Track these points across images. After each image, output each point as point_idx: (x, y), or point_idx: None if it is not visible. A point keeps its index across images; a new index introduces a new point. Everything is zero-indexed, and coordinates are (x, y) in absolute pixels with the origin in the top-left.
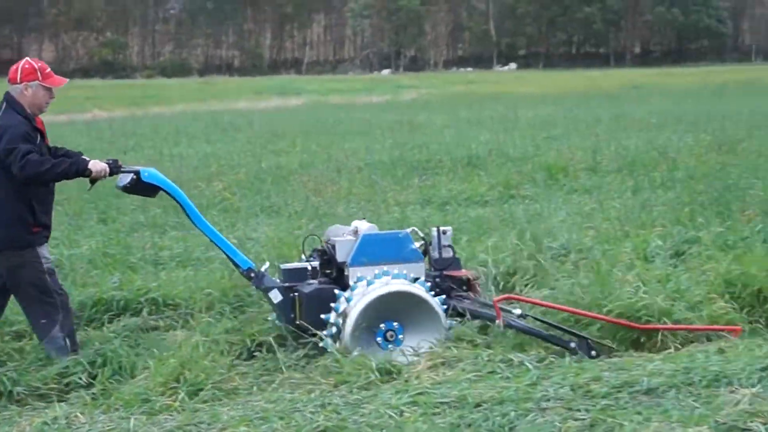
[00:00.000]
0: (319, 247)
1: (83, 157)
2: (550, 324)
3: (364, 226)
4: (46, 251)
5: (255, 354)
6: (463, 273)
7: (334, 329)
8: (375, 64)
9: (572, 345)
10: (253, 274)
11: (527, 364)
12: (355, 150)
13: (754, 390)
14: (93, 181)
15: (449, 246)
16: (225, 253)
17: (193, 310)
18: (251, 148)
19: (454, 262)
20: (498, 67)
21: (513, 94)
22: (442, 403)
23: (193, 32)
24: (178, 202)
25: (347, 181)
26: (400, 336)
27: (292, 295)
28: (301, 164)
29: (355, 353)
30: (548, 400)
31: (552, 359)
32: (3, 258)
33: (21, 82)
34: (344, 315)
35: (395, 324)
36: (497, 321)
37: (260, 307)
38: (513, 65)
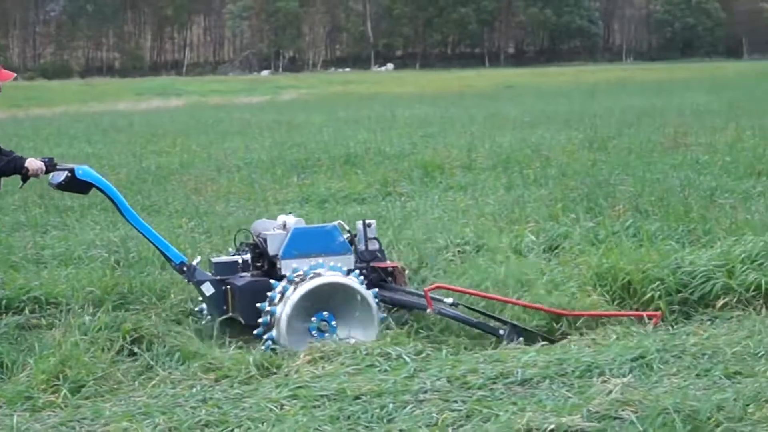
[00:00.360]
0: (250, 241)
1: (18, 155)
2: (481, 312)
3: (291, 221)
4: None
5: (134, 350)
6: (389, 264)
7: (269, 332)
8: (254, 65)
9: (501, 332)
10: (185, 268)
11: (405, 357)
12: (235, 149)
13: (625, 380)
14: (26, 179)
15: (375, 238)
16: (157, 248)
17: (73, 307)
18: (132, 148)
19: (380, 254)
20: (375, 67)
21: (390, 94)
22: (321, 396)
23: (74, 34)
24: (111, 198)
25: (227, 180)
26: (332, 326)
27: (223, 287)
28: (182, 164)
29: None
30: (425, 392)
31: (429, 352)
32: None
33: None
34: (276, 319)
35: (325, 314)
36: (428, 310)
37: (141, 305)
38: (390, 65)
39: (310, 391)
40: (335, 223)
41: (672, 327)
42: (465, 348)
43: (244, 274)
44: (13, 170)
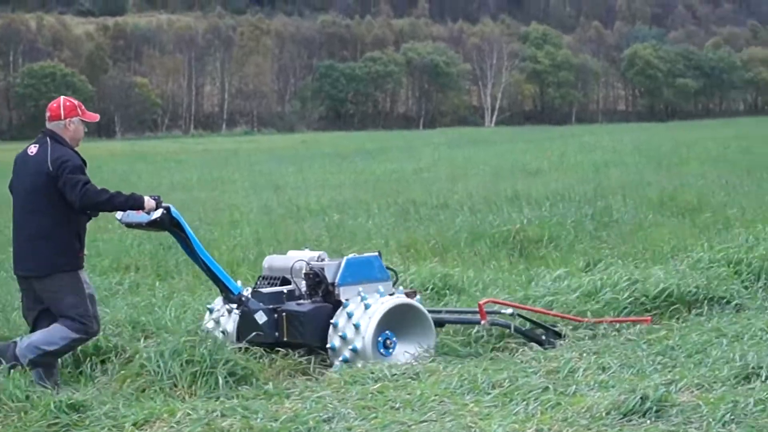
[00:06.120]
0: (306, 270)
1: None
2: (528, 319)
3: (311, 254)
4: (86, 275)
5: None
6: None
7: (347, 353)
8: None
9: (543, 337)
10: (243, 298)
11: None
12: None
13: None
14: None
15: (389, 267)
16: (218, 280)
17: None
18: None
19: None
20: None
21: None
22: None
23: None
24: (187, 235)
25: None
26: (395, 343)
27: (276, 315)
28: None
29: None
30: None
31: None
32: (50, 281)
33: (65, 118)
34: (359, 335)
35: (388, 332)
36: (483, 322)
37: None
38: None
39: None
40: (375, 252)
41: None
42: None
43: (302, 301)
44: (131, 206)
